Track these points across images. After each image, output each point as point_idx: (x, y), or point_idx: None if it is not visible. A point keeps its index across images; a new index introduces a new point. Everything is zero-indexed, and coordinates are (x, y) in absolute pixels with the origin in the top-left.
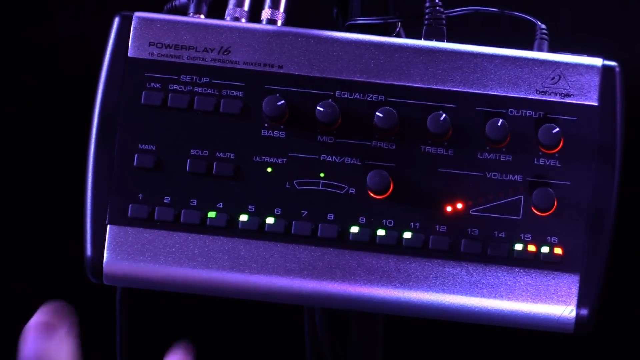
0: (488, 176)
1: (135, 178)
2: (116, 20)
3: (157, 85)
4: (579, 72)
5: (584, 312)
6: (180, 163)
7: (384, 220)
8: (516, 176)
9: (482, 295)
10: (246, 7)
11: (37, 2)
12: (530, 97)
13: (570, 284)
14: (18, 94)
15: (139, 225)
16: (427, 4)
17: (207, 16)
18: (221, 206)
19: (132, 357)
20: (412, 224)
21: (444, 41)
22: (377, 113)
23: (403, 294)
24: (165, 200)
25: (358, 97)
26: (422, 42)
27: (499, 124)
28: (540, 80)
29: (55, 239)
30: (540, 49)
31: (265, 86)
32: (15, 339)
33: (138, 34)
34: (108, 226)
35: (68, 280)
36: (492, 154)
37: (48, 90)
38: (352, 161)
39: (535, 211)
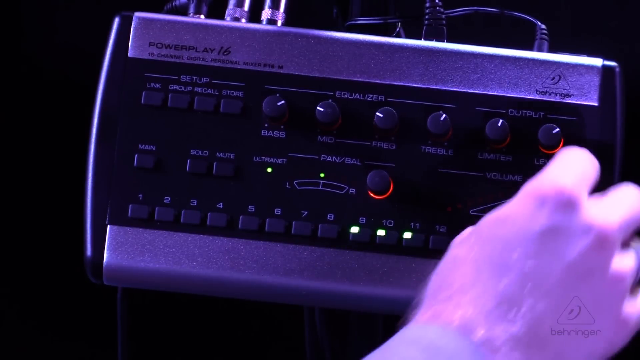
0: (488, 176)
1: (136, 178)
2: (116, 21)
3: (157, 86)
4: (579, 72)
5: None
6: (181, 163)
7: (384, 221)
8: (516, 176)
9: None
10: (246, 7)
11: (36, 2)
12: (530, 97)
13: None
14: (18, 94)
15: (139, 225)
16: (427, 4)
17: (207, 16)
18: (221, 206)
19: (134, 356)
20: (412, 224)
21: (444, 41)
22: (377, 113)
23: (403, 293)
24: (165, 201)
25: (358, 97)
26: (422, 42)
27: (499, 124)
28: (540, 81)
29: (55, 239)
30: (540, 49)
31: (266, 86)
32: (15, 338)
33: (138, 34)
34: (108, 226)
35: (68, 280)
36: (492, 154)
37: (48, 91)
38: (352, 161)
39: None
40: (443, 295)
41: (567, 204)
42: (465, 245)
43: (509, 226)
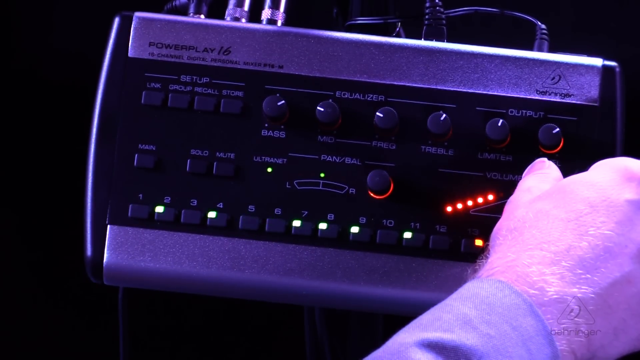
0: (488, 176)
1: (136, 178)
2: (116, 21)
3: (158, 86)
4: (579, 72)
5: None
6: (181, 163)
7: (384, 220)
8: (516, 176)
9: None
10: (246, 7)
11: (35, 2)
12: (530, 97)
13: None
14: (18, 94)
15: (139, 225)
16: (427, 4)
17: (207, 16)
18: (221, 206)
19: (134, 356)
20: (412, 224)
21: (444, 41)
22: (378, 113)
23: (403, 293)
24: (165, 200)
25: (358, 97)
26: (422, 42)
27: (499, 124)
28: (540, 81)
29: (56, 239)
30: (540, 49)
31: (266, 86)
32: (16, 338)
33: (138, 34)
34: (108, 226)
35: (68, 280)
36: (492, 154)
37: (48, 91)
38: (352, 161)
39: None
40: (520, 247)
41: None
42: (549, 201)
43: (597, 190)
